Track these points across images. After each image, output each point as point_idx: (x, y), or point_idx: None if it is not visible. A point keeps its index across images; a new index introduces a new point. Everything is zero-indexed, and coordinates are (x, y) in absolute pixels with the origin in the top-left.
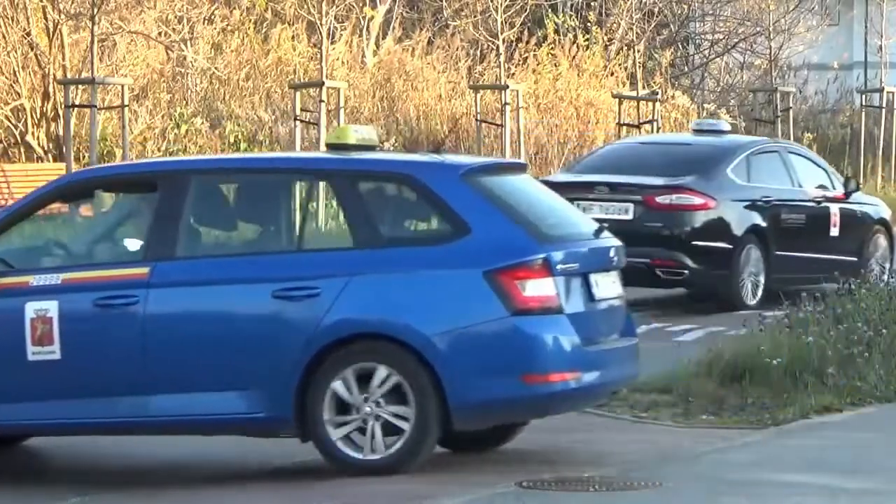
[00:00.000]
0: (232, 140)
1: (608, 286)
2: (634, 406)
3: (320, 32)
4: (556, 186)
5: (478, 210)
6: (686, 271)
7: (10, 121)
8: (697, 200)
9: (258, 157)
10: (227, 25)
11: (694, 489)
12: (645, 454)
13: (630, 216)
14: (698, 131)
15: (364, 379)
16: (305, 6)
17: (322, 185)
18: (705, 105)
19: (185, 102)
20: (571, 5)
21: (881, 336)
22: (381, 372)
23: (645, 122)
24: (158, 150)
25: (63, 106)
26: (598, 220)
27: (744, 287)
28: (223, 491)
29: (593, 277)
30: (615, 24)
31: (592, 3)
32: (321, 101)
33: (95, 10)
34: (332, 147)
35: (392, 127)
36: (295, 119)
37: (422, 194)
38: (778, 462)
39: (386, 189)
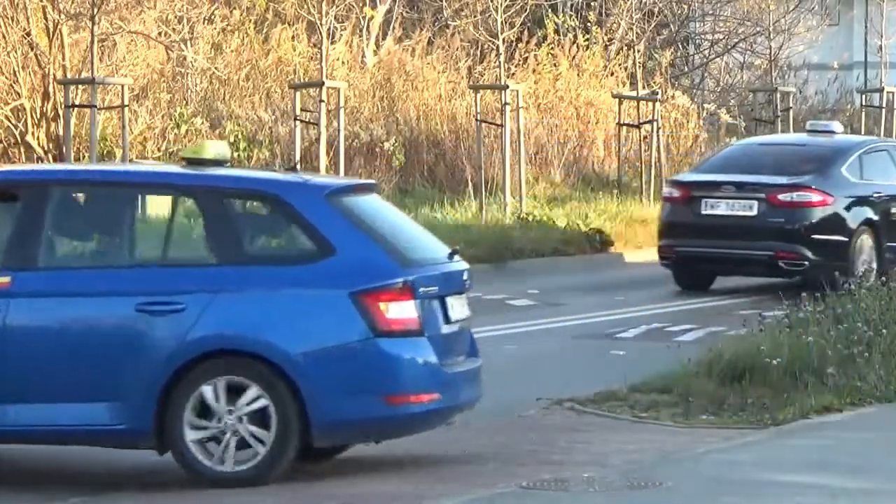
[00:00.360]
0: (232, 140)
1: (460, 308)
2: (634, 406)
3: (320, 32)
4: (687, 185)
5: (342, 231)
6: (806, 263)
7: (10, 121)
8: (816, 198)
9: (125, 170)
10: (227, 25)
11: (694, 489)
12: (645, 454)
13: (754, 212)
14: (812, 132)
15: (228, 394)
16: (305, 6)
17: (188, 200)
18: (705, 105)
19: (185, 102)
20: (571, 5)
21: (881, 336)
22: (245, 388)
23: (645, 122)
24: (158, 149)
25: (63, 106)
26: (724, 216)
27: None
28: (223, 491)
29: (449, 300)
30: (615, 24)
31: (592, 3)
32: (321, 101)
33: (95, 10)
34: (188, 162)
35: (392, 127)
36: (295, 119)
37: (287, 214)
38: (778, 462)
39: (252, 207)
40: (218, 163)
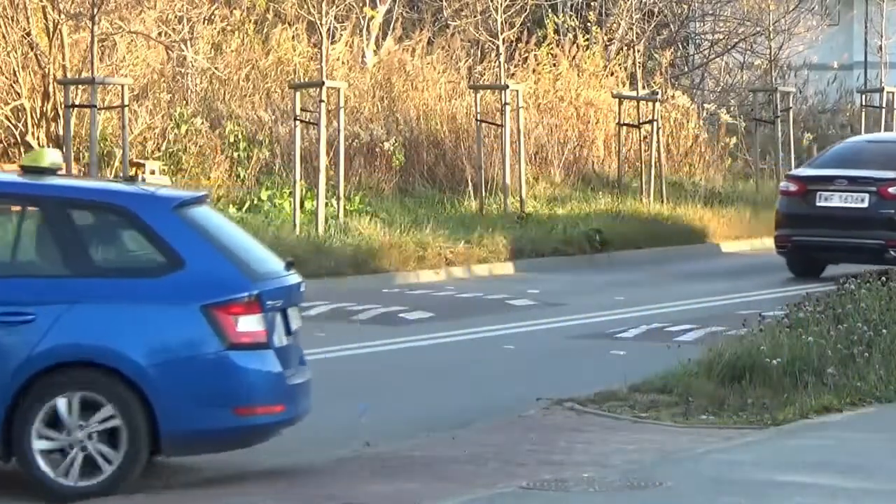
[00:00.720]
0: (232, 140)
1: (296, 320)
2: (634, 406)
3: (320, 32)
4: (803, 180)
5: (191, 244)
6: None
7: (10, 121)
8: None
9: None
10: (227, 25)
11: (694, 489)
12: (645, 454)
13: (866, 204)
14: None
15: (77, 406)
16: (305, 6)
17: (36, 210)
18: (705, 105)
19: (185, 102)
20: (571, 5)
21: (881, 336)
22: (94, 400)
23: (645, 122)
24: (158, 149)
25: (63, 106)
26: (838, 207)
27: None
28: (223, 491)
29: (289, 312)
30: (615, 24)
31: (592, 3)
32: (321, 101)
33: (95, 10)
34: (25, 170)
35: (392, 127)
36: (295, 119)
37: (136, 226)
38: (778, 462)
39: (101, 219)
40: (53, 171)
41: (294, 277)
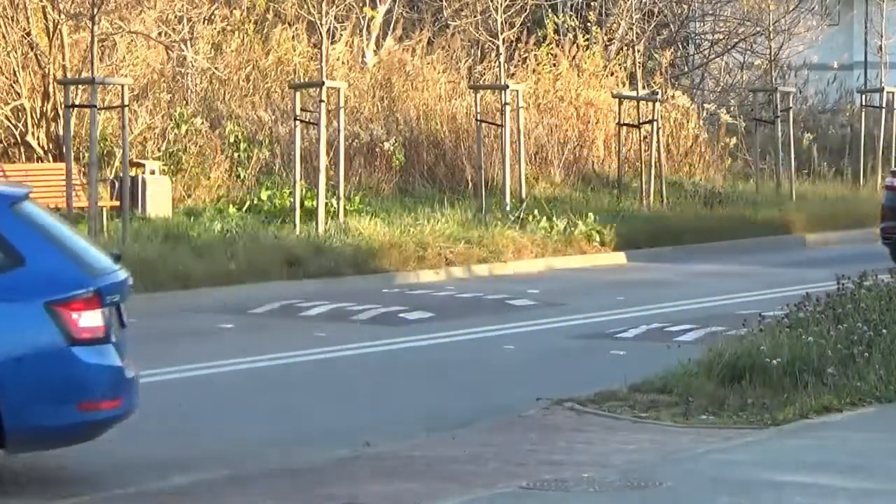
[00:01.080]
0: (232, 140)
1: (125, 314)
2: (634, 406)
3: (320, 32)
4: None
5: (29, 240)
6: None
7: (10, 121)
8: None
9: None
10: (227, 25)
11: (694, 489)
12: (645, 454)
13: None
14: None
15: None
16: (305, 6)
17: None
18: (705, 105)
19: (185, 102)
20: (571, 5)
21: (881, 336)
22: None
23: (645, 122)
24: (158, 149)
25: (63, 106)
26: None
27: None
28: (223, 491)
29: (122, 306)
30: (615, 24)
31: (592, 3)
32: (321, 101)
33: (95, 10)
34: None
35: (392, 127)
36: (295, 119)
37: None
38: (778, 462)
39: None
40: None
41: (123, 272)
